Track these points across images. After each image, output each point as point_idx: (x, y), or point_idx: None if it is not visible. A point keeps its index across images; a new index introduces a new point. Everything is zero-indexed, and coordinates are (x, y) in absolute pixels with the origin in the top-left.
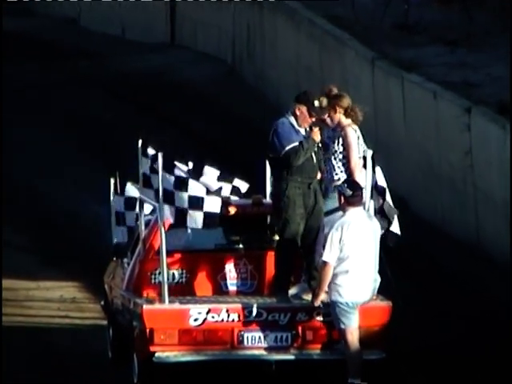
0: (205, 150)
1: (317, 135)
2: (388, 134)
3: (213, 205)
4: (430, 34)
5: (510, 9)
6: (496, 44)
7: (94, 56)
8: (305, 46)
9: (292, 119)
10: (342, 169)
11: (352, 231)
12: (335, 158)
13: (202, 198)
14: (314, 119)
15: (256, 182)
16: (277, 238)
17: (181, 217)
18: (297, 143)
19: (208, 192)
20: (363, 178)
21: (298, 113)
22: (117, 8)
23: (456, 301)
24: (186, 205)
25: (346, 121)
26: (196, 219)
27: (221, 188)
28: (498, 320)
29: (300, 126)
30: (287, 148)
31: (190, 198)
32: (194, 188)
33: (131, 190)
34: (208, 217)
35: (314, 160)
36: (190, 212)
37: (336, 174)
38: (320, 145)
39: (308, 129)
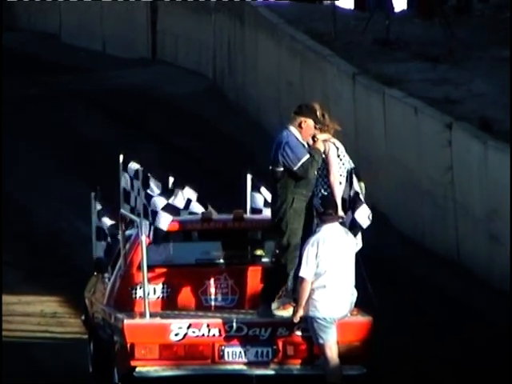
0: (186, 164)
1: (321, 146)
2: (369, 149)
3: (163, 221)
4: (411, 50)
5: (510, 29)
6: (477, 60)
7: (74, 71)
8: (286, 62)
9: (296, 132)
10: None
11: (328, 246)
12: (320, 176)
13: (157, 213)
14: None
15: (237, 197)
16: (259, 252)
17: (156, 232)
18: (308, 155)
19: (164, 208)
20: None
21: (303, 126)
22: (98, 23)
23: (436, 314)
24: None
25: (322, 136)
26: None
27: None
28: (480, 333)
29: (303, 139)
30: (304, 160)
31: (152, 212)
32: (157, 203)
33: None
34: (156, 232)
35: (317, 173)
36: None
37: (325, 190)
38: None
39: (311, 141)
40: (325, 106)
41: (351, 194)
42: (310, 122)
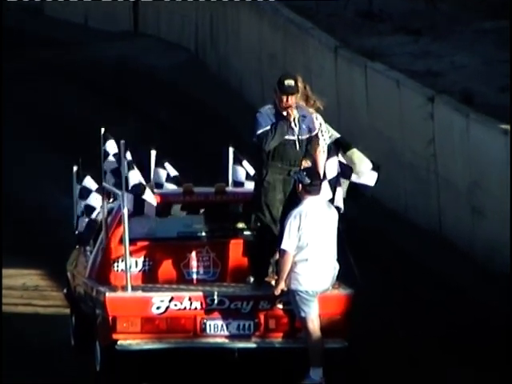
0: (168, 137)
1: (290, 116)
2: (351, 122)
3: (150, 196)
4: (393, 23)
5: (510, 9)
6: (460, 33)
7: (56, 44)
8: (268, 35)
9: (272, 106)
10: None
11: (310, 219)
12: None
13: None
14: (292, 101)
15: (219, 170)
16: (241, 225)
17: (138, 204)
18: (268, 127)
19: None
20: (330, 165)
21: (274, 97)
22: None
23: (419, 288)
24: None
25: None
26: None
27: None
28: (461, 306)
29: (282, 110)
30: (258, 132)
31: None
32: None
33: (89, 182)
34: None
35: (297, 148)
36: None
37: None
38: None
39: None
40: (306, 80)
41: (338, 168)
42: (277, 89)
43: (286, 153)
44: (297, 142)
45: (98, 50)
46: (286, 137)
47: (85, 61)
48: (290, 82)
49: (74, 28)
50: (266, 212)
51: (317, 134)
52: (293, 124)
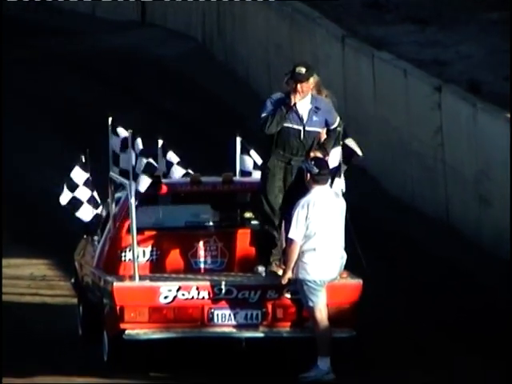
0: (175, 126)
1: (291, 101)
2: (358, 111)
3: (142, 183)
4: (400, 12)
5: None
6: (465, 23)
7: (63, 34)
8: (275, 24)
9: (283, 94)
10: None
11: (318, 208)
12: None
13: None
14: (302, 88)
15: (226, 160)
16: (248, 215)
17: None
18: (271, 113)
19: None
20: (332, 155)
21: (286, 85)
22: None
23: (426, 276)
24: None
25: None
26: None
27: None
28: (468, 294)
29: (293, 99)
30: (262, 115)
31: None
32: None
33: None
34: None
35: (301, 137)
36: None
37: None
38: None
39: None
40: (314, 68)
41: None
42: (291, 81)
43: (288, 141)
44: (302, 133)
45: (105, 40)
46: (290, 125)
47: (92, 50)
48: (300, 70)
49: (81, 18)
50: (264, 199)
51: (335, 129)
52: (300, 113)
